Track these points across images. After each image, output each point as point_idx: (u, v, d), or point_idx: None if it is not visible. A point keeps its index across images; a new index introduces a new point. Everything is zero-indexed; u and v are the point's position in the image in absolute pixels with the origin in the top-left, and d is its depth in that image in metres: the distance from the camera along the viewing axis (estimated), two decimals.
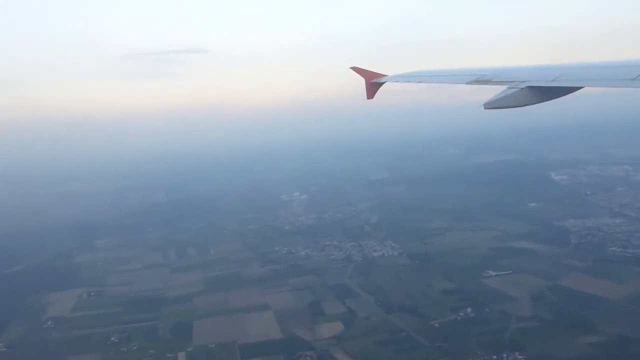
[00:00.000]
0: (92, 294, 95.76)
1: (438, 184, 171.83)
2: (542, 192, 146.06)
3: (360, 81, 25.16)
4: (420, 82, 21.48)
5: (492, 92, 14.77)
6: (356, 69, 25.25)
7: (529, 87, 14.04)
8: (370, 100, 25.22)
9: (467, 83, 17.04)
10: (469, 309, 73.66)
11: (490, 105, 14.25)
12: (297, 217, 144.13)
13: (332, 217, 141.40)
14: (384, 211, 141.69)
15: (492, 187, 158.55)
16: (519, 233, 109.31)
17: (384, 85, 24.56)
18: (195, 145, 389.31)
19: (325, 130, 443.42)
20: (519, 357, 60.42)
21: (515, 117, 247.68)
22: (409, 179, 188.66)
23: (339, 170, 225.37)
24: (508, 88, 14.43)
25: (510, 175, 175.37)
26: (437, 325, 70.46)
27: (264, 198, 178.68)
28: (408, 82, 22.38)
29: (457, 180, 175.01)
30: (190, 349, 69.68)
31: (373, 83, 24.67)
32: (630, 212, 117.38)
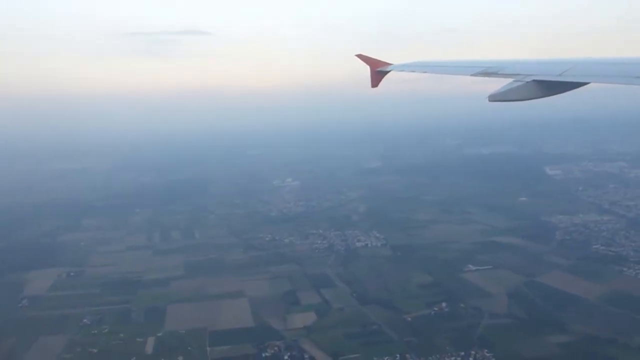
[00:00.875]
0: (72, 274, 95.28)
1: (430, 175, 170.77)
2: (534, 186, 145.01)
3: (365, 69, 25.04)
4: (426, 72, 21.31)
5: (498, 84, 14.87)
6: (362, 57, 25.12)
7: (534, 81, 13.99)
8: (375, 88, 25.21)
9: (472, 75, 16.99)
10: (443, 304, 72.94)
11: (496, 97, 14.32)
12: (285, 204, 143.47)
13: (321, 204, 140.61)
14: (372, 200, 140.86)
15: (484, 180, 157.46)
16: (505, 227, 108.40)
17: (389, 74, 24.41)
18: (192, 127, 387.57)
19: (326, 117, 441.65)
20: (487, 354, 59.66)
21: (519, 110, 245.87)
22: (402, 168, 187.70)
23: (335, 158, 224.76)
24: (514, 81, 14.43)
25: (504, 168, 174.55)
26: (409, 319, 69.77)
27: (255, 183, 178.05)
28: (413, 71, 22.07)
29: (450, 171, 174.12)
30: (160, 334, 69.16)
31: (378, 71, 24.61)
32: (619, 209, 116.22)
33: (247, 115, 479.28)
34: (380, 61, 24.71)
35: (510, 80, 14.67)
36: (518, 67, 15.98)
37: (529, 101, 14.08)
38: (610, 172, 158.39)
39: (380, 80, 24.96)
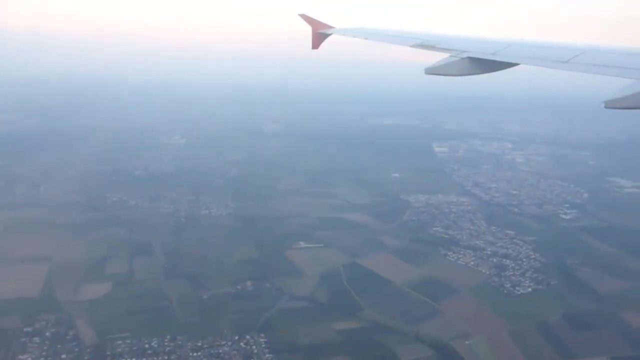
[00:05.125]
0: None
1: (320, 143, 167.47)
2: (413, 162, 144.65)
3: (307, 29, 25.16)
4: (367, 38, 21.54)
5: (438, 56, 15.45)
6: (305, 17, 25.01)
7: (469, 57, 14.44)
8: (315, 50, 25.40)
9: (411, 46, 17.46)
10: (248, 283, 70.27)
11: (432, 71, 14.70)
12: (158, 163, 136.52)
13: (194, 166, 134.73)
14: (248, 166, 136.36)
15: (369, 151, 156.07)
16: (359, 204, 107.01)
17: (330, 36, 24.70)
18: (98, 72, 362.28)
19: (256, 76, 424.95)
20: (262, 340, 57.36)
21: (456, 85, 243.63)
22: (298, 134, 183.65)
23: (238, 118, 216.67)
24: (450, 56, 14.88)
25: (396, 141, 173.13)
26: (205, 297, 66.62)
27: (140, 138, 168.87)
28: (355, 37, 22.27)
29: (342, 141, 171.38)
30: None
31: (320, 33, 24.74)
32: (478, 191, 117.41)
33: (166, 68, 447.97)
34: (322, 23, 24.87)
35: (447, 55, 15.11)
36: (455, 42, 16.52)
37: (467, 76, 14.40)
38: (492, 153, 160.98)
39: (321, 42, 25.11)
